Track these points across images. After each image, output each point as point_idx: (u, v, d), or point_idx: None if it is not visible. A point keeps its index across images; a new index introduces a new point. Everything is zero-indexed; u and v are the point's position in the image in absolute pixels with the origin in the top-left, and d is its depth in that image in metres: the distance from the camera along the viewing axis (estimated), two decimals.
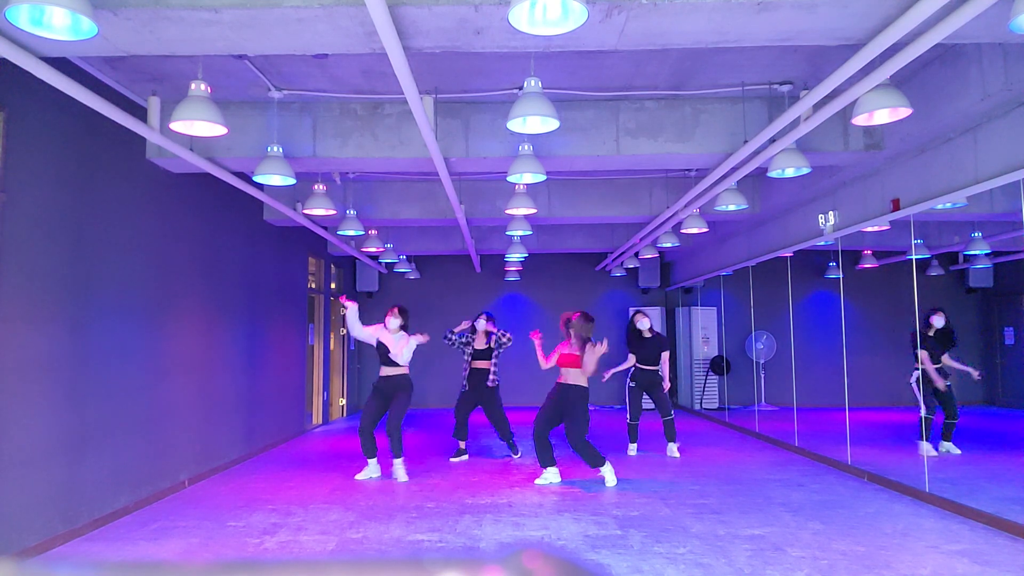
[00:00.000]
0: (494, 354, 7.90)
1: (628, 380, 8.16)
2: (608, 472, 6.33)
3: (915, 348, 6.94)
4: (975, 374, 7.52)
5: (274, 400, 8.91)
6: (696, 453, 7.97)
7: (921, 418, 6.93)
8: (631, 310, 8.18)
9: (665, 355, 8.09)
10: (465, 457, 7.82)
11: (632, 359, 8.08)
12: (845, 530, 4.75)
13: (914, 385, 6.95)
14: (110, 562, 0.49)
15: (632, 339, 8.14)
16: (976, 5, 3.17)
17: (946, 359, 7.08)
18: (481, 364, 7.90)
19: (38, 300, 4.45)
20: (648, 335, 8.06)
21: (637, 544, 4.50)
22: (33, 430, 4.38)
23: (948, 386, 6.97)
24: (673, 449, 7.87)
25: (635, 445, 8.08)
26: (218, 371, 7.20)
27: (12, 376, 4.19)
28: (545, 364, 6.65)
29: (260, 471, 7.23)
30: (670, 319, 13.49)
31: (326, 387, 11.49)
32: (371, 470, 6.80)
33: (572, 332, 6.51)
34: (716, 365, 11.79)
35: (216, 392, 7.14)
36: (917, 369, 6.95)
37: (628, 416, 8.11)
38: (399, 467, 6.72)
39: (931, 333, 7.07)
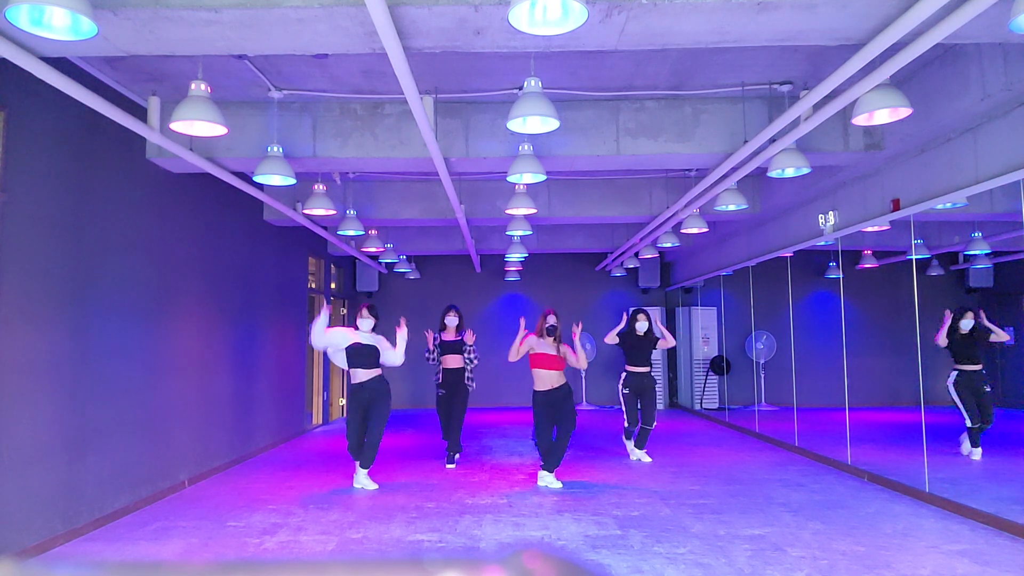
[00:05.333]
0: (467, 360, 7.65)
1: (621, 387, 7.73)
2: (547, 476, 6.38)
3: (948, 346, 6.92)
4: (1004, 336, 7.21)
5: (274, 400, 8.91)
6: (696, 453, 7.97)
7: (968, 428, 6.86)
8: (630, 310, 7.92)
9: (661, 342, 7.83)
10: (457, 458, 7.65)
11: (615, 336, 7.74)
12: (845, 530, 4.75)
13: (951, 389, 6.88)
14: (110, 562, 0.49)
15: (626, 337, 7.77)
16: (976, 5, 3.17)
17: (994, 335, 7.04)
18: (453, 361, 7.62)
19: (38, 300, 4.45)
20: (641, 335, 7.71)
21: (637, 544, 4.50)
22: (34, 430, 4.38)
23: (989, 391, 6.87)
24: (642, 455, 7.58)
25: (632, 443, 7.75)
26: (218, 371, 7.20)
27: (13, 376, 4.19)
28: (515, 356, 6.48)
29: (260, 471, 7.23)
30: (670, 319, 13.49)
31: (326, 387, 11.49)
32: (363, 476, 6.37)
33: (551, 333, 6.44)
34: (716, 365, 11.79)
35: (216, 392, 7.14)
36: (955, 371, 6.90)
37: (626, 422, 7.75)
38: (364, 476, 6.29)
39: (960, 336, 6.95)
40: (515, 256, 11.51)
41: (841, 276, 7.60)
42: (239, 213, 7.76)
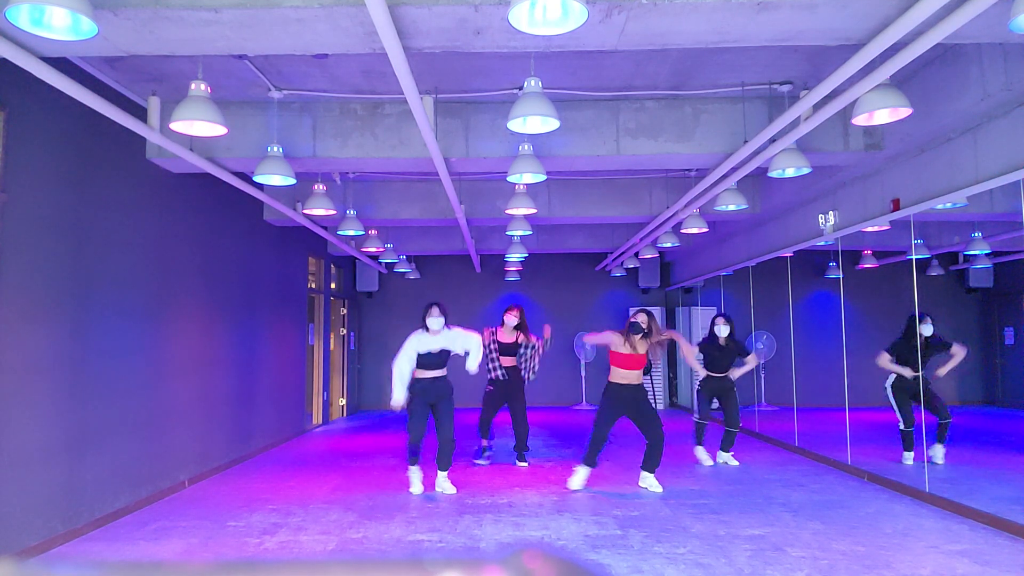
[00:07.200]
0: (522, 353, 7.50)
1: (697, 388, 7.69)
2: (582, 472, 6.22)
3: (895, 356, 6.71)
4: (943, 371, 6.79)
5: (274, 400, 8.91)
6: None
7: (900, 431, 6.76)
8: (705, 314, 7.90)
9: (749, 358, 7.69)
10: (489, 454, 7.57)
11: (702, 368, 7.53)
12: (845, 530, 4.75)
13: (889, 391, 6.74)
14: (110, 562, 0.49)
15: (708, 344, 7.61)
16: (976, 5, 3.17)
17: (940, 372, 6.75)
18: (509, 361, 7.51)
19: (38, 300, 4.45)
20: (723, 343, 7.48)
21: (637, 544, 4.50)
22: (33, 430, 4.38)
23: (931, 390, 6.61)
24: (728, 457, 7.42)
25: (703, 448, 7.50)
26: (218, 371, 7.20)
27: (12, 376, 4.19)
28: (591, 341, 6.43)
29: (260, 471, 7.23)
30: (670, 319, 13.49)
31: (326, 387, 11.49)
32: (420, 478, 6.20)
33: (636, 331, 6.08)
34: None
35: (216, 392, 7.14)
36: (892, 374, 6.74)
37: (696, 415, 7.65)
38: (446, 480, 6.20)
39: (917, 342, 6.57)
40: (515, 256, 11.51)
41: (841, 276, 7.60)
42: (239, 213, 7.76)
